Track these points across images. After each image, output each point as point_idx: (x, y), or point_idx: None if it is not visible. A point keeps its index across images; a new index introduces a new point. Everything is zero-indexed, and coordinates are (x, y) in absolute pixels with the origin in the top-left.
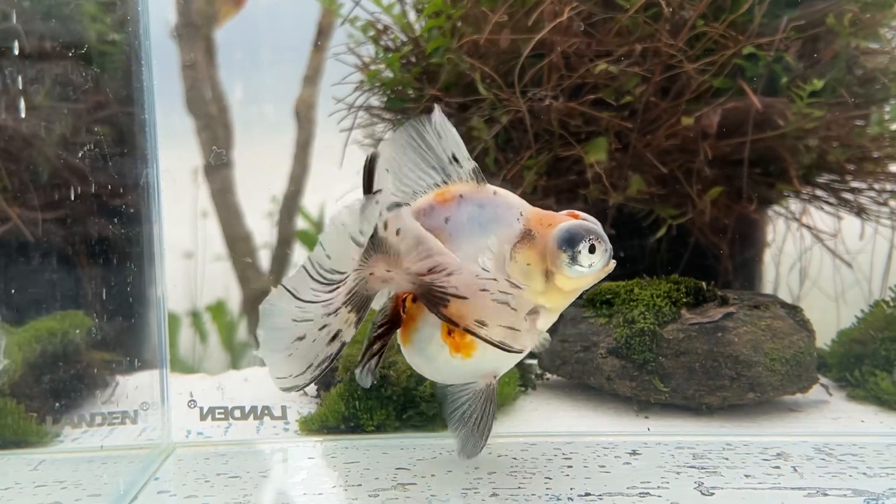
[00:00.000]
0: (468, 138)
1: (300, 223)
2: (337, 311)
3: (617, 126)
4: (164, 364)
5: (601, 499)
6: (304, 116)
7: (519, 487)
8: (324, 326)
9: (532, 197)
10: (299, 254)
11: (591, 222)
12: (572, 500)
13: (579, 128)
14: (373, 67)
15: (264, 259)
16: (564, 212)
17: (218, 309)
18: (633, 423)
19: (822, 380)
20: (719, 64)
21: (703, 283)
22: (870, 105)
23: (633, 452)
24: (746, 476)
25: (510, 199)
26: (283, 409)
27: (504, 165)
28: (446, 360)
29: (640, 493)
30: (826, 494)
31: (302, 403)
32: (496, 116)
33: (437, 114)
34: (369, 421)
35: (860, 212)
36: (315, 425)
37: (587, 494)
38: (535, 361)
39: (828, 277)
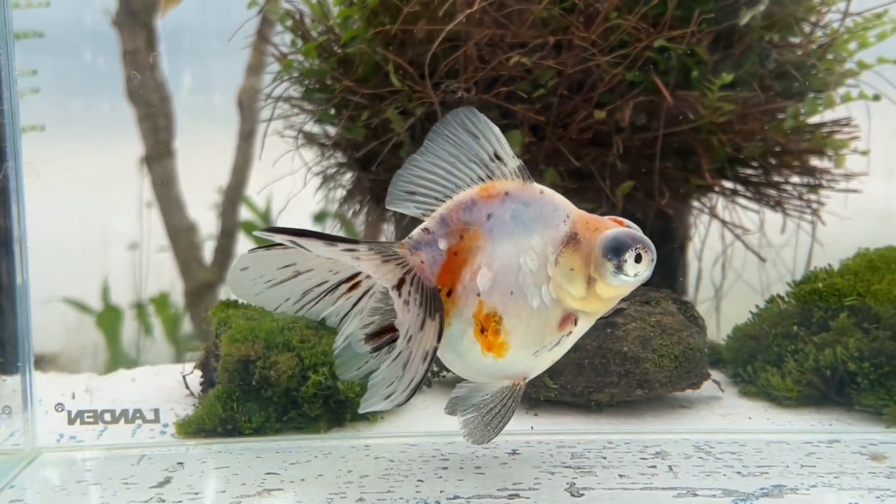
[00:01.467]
0: (384, 130)
1: (247, 214)
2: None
3: (532, 119)
4: (27, 364)
5: (469, 501)
6: (248, 106)
7: (388, 491)
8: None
9: None
10: (243, 245)
11: (635, 229)
12: (440, 503)
13: (495, 121)
14: (291, 57)
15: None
16: (608, 217)
17: (161, 301)
18: (521, 422)
19: (716, 375)
20: (632, 57)
21: None
22: (788, 99)
23: (513, 452)
24: (620, 476)
25: (556, 200)
26: (156, 412)
27: None
28: (477, 357)
29: (510, 495)
30: (696, 495)
31: (185, 405)
32: (410, 109)
33: (472, 112)
34: (247, 423)
35: (778, 206)
36: (192, 428)
37: (455, 497)
38: None
39: (753, 271)
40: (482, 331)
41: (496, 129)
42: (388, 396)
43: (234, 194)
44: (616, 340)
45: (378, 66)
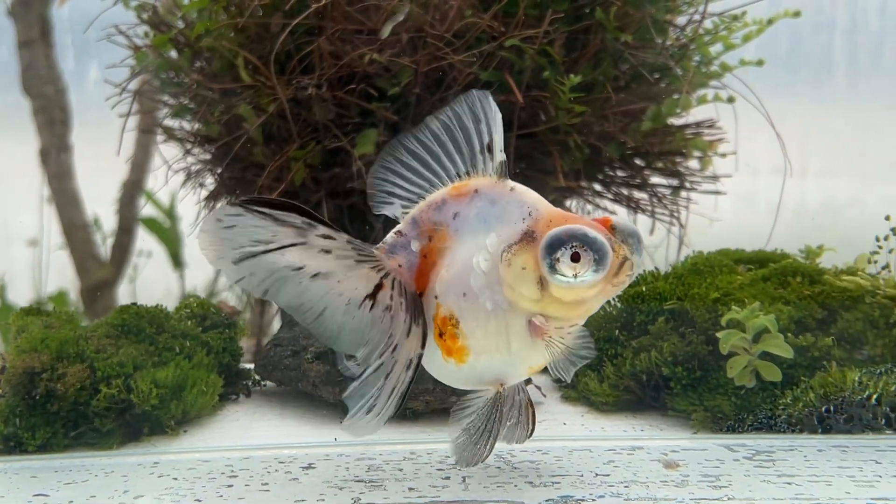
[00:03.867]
0: (238, 127)
1: (152, 210)
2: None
3: (388, 118)
4: None
5: None
6: (147, 99)
7: None
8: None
9: (303, 191)
10: (143, 242)
11: (624, 227)
12: None
13: (352, 119)
14: (145, 50)
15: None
16: (597, 217)
17: (60, 299)
18: (331, 433)
19: (544, 380)
20: (486, 56)
21: None
22: (650, 100)
23: (309, 466)
24: (410, 489)
25: (524, 197)
26: None
27: (271, 157)
28: (440, 363)
29: None
30: None
31: None
32: (262, 105)
33: (484, 96)
34: (31, 440)
35: (638, 208)
36: None
37: None
38: (251, 366)
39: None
40: (440, 335)
41: (499, 119)
42: (371, 410)
43: (132, 190)
44: None
45: (231, 61)
